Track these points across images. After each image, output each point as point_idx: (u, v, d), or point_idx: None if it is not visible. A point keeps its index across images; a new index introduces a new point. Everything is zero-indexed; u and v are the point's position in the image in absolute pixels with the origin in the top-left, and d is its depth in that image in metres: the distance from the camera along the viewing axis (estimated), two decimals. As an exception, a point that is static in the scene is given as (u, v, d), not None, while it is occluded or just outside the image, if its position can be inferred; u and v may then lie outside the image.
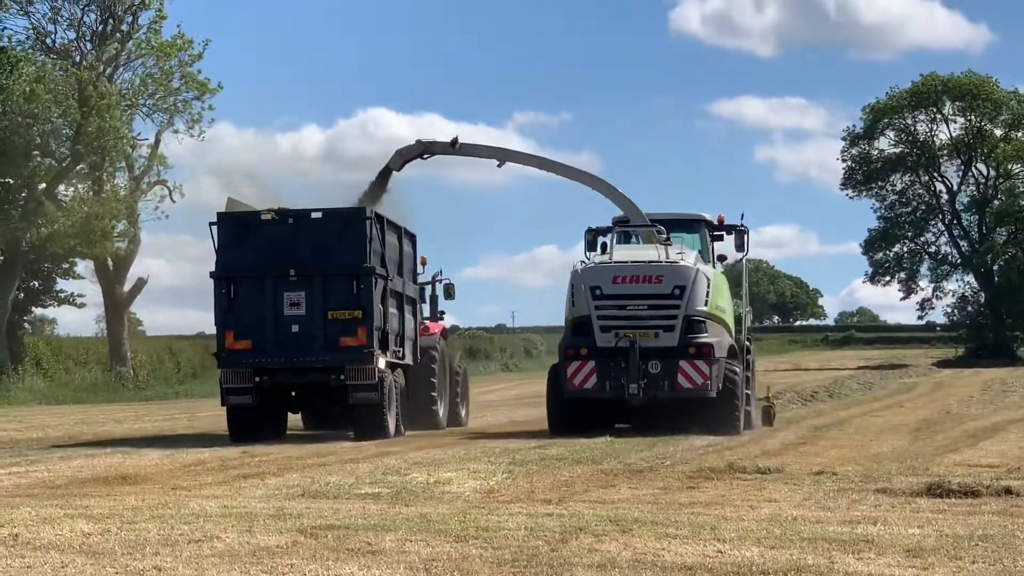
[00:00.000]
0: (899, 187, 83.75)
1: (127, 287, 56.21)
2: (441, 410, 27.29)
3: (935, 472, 14.89)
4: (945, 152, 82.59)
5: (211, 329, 24.05)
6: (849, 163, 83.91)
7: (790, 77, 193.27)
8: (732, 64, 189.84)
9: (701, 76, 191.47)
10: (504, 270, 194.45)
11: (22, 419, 33.58)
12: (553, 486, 14.00)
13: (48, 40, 51.90)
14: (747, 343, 26.02)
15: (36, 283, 55.25)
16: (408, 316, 25.23)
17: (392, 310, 23.83)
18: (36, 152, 49.94)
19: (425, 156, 27.81)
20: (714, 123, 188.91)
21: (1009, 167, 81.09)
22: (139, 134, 53.95)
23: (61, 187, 51.61)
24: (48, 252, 51.12)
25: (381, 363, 22.94)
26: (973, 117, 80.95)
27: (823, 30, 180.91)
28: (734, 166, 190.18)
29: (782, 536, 9.86)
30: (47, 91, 47.29)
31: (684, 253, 23.97)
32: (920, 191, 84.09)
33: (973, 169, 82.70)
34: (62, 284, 56.05)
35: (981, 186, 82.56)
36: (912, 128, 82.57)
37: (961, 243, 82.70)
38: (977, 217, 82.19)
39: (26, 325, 57.87)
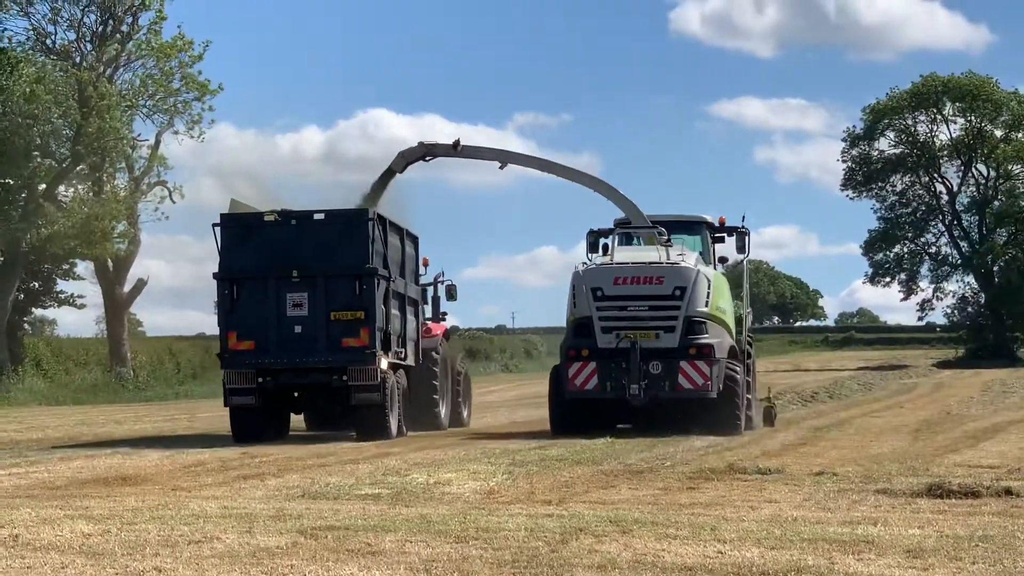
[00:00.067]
0: (899, 188, 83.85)
1: (127, 288, 56.24)
2: (443, 411, 27.33)
3: (935, 473, 14.88)
4: (945, 153, 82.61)
5: (211, 330, 24.15)
6: (849, 164, 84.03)
7: (790, 78, 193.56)
8: (732, 65, 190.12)
9: (701, 77, 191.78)
10: (504, 271, 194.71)
11: (22, 420, 33.60)
12: (553, 487, 14.01)
13: (48, 41, 51.95)
14: (748, 344, 26.05)
15: (36, 284, 55.27)
16: (410, 317, 25.26)
17: (394, 311, 23.86)
18: (36, 153, 49.98)
19: (427, 158, 27.87)
20: (714, 124, 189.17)
21: (1009, 168, 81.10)
22: (139, 135, 54.09)
23: (61, 188, 51.65)
24: (48, 253, 51.14)
25: (383, 364, 22.97)
26: (973, 118, 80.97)
27: (823, 31, 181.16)
28: (734, 167, 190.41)
29: (782, 537, 9.86)
30: (47, 92, 47.31)
31: (685, 254, 23.99)
32: (920, 192, 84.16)
33: (973, 170, 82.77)
34: (62, 285, 56.20)
35: (981, 187, 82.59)
36: (912, 129, 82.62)
37: (961, 244, 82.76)
38: (977, 218, 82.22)
39: (26, 326, 57.87)
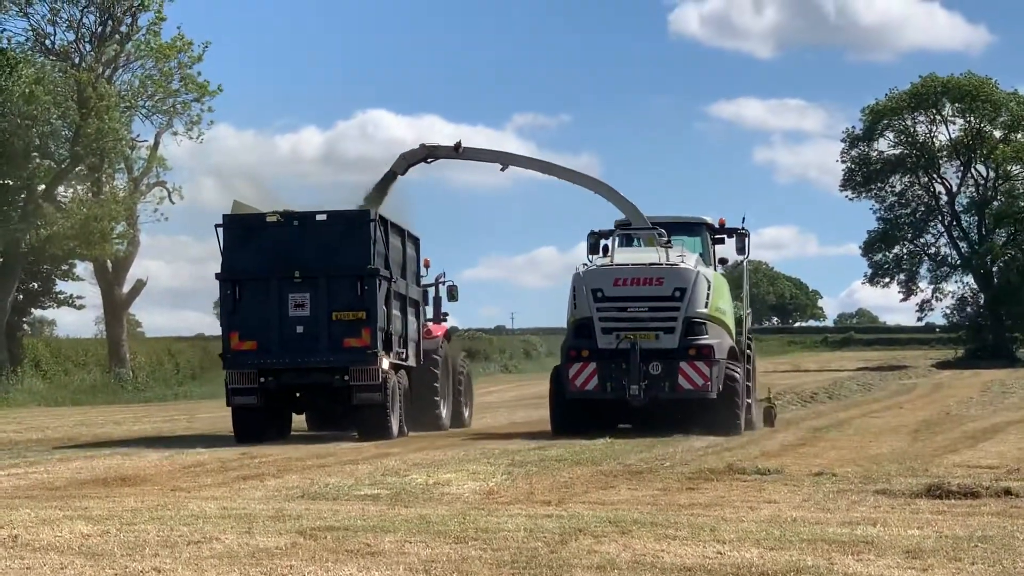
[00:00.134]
0: (898, 188, 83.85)
1: (126, 289, 56.21)
2: (444, 411, 27.37)
3: (934, 473, 14.89)
4: (944, 153, 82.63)
5: (210, 331, 24.26)
6: (848, 164, 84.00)
7: (789, 78, 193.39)
8: (731, 65, 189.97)
9: (700, 77, 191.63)
10: (504, 271, 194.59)
11: (21, 420, 33.58)
12: (552, 487, 14.01)
13: (47, 42, 51.89)
14: (748, 345, 26.08)
15: (35, 285, 55.27)
16: (411, 318, 25.30)
17: (396, 312, 23.91)
18: (35, 154, 49.94)
19: (429, 160, 27.96)
20: (713, 124, 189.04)
21: (1008, 168, 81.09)
22: (138, 136, 54.00)
23: (60, 189, 51.61)
24: (47, 254, 51.12)
25: (385, 364, 23.02)
26: (972, 118, 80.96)
27: (822, 31, 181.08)
28: (733, 167, 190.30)
29: (781, 537, 9.86)
30: (46, 93, 47.28)
31: (685, 256, 24.03)
32: (919, 192, 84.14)
33: (972, 170, 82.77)
34: (61, 286, 56.18)
35: (980, 187, 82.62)
36: (911, 129, 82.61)
37: (960, 244, 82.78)
38: (976, 218, 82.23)
39: (25, 327, 57.86)
